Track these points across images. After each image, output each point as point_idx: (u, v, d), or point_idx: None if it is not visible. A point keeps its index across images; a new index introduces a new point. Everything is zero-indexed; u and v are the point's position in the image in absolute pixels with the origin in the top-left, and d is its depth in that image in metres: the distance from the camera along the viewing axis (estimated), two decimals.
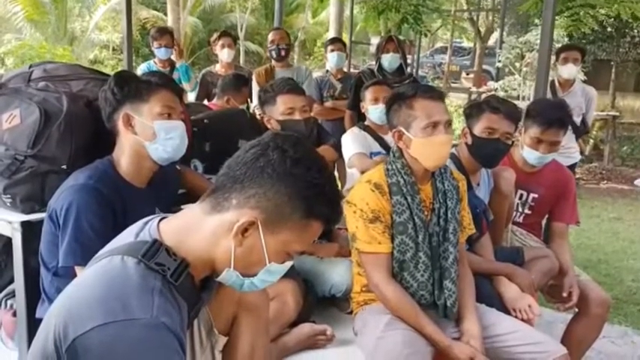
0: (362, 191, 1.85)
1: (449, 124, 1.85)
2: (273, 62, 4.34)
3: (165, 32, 4.60)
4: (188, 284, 1.03)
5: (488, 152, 2.23)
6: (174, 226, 1.07)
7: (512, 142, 2.30)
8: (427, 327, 1.75)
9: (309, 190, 1.02)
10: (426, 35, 7.96)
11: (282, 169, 1.01)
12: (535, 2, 6.15)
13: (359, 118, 4.11)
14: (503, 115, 2.19)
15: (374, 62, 4.17)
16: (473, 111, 2.27)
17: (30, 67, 2.03)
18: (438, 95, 1.88)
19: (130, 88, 1.67)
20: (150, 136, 1.66)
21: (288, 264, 1.10)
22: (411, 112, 1.84)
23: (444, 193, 1.90)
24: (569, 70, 4.18)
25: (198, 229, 1.05)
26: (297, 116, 2.45)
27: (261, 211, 1.02)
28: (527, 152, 2.41)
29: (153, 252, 1.00)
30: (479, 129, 2.21)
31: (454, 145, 2.37)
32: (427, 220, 1.86)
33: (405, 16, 5.95)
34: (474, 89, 9.15)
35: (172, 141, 1.69)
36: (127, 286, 0.95)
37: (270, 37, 4.34)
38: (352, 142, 2.89)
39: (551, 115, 2.35)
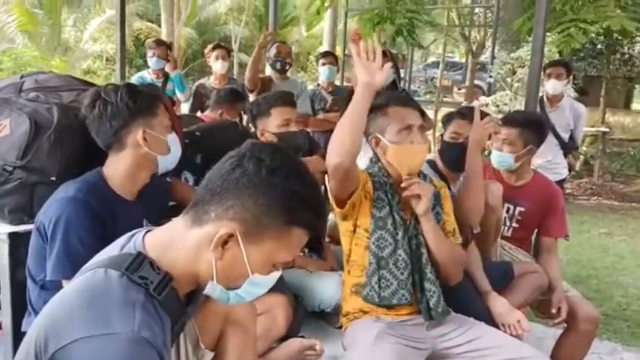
0: None
1: (423, 129, 1.90)
2: (271, 73, 4.32)
3: (161, 44, 4.61)
4: (172, 298, 1.02)
5: (453, 156, 2.29)
6: (158, 240, 1.06)
7: (483, 148, 2.34)
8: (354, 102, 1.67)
9: (288, 199, 1.01)
10: (420, 48, 7.98)
11: (258, 178, 1.00)
12: (527, 18, 6.21)
13: None
14: (470, 121, 2.23)
15: None
16: (446, 119, 2.36)
17: (21, 77, 2.03)
18: (411, 102, 1.96)
19: (143, 102, 1.66)
20: (164, 150, 1.71)
21: (275, 275, 1.08)
22: (385, 119, 1.89)
23: None
24: (554, 86, 4.21)
25: (180, 242, 1.04)
26: (293, 128, 2.46)
27: (240, 223, 1.00)
28: (491, 154, 2.48)
29: (136, 265, 0.99)
30: (447, 134, 2.31)
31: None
32: (407, 222, 1.89)
33: (400, 28, 5.96)
34: (465, 103, 9.22)
35: (177, 153, 1.77)
36: (109, 300, 0.94)
37: (276, 49, 4.24)
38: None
39: (510, 114, 2.43)
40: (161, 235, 1.07)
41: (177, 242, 1.04)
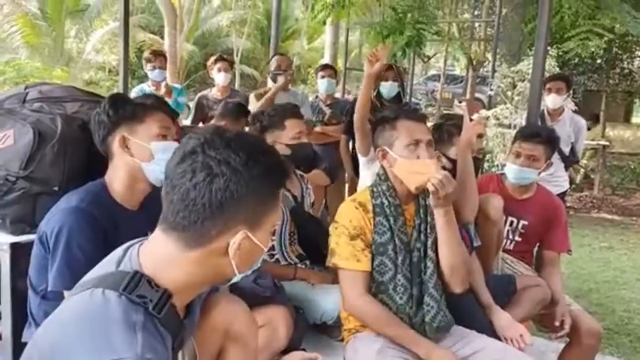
0: (346, 209, 1.91)
1: (430, 143, 1.89)
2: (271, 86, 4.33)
3: (158, 54, 4.60)
4: (171, 314, 1.01)
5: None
6: (152, 257, 1.04)
7: (483, 155, 2.36)
8: (406, 333, 1.77)
9: (270, 178, 1.04)
10: (424, 61, 7.99)
11: (243, 180, 0.99)
12: (528, 33, 6.24)
13: (354, 141, 4.12)
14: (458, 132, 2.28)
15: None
16: (444, 135, 2.39)
17: (25, 87, 2.04)
18: (420, 117, 1.95)
19: (125, 110, 1.67)
20: (147, 157, 1.66)
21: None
22: (393, 132, 1.89)
23: (425, 209, 1.91)
24: (554, 100, 4.23)
25: (178, 264, 1.02)
26: (304, 139, 2.47)
27: (246, 225, 1.02)
28: (507, 169, 2.47)
29: (134, 284, 0.98)
30: (453, 153, 2.31)
31: None
32: (410, 240, 1.88)
33: (410, 39, 5.94)
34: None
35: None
36: (110, 323, 0.93)
37: (276, 62, 4.21)
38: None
39: (531, 129, 2.44)
40: (153, 251, 1.04)
41: (173, 264, 1.02)
